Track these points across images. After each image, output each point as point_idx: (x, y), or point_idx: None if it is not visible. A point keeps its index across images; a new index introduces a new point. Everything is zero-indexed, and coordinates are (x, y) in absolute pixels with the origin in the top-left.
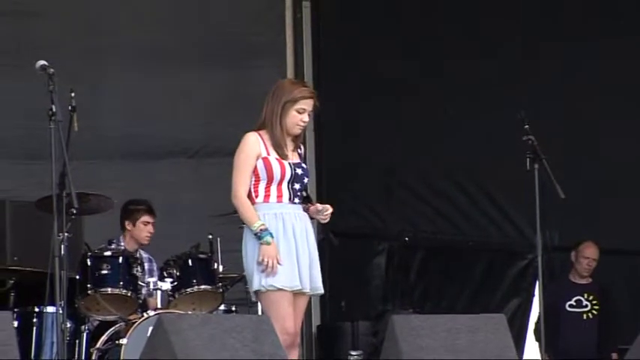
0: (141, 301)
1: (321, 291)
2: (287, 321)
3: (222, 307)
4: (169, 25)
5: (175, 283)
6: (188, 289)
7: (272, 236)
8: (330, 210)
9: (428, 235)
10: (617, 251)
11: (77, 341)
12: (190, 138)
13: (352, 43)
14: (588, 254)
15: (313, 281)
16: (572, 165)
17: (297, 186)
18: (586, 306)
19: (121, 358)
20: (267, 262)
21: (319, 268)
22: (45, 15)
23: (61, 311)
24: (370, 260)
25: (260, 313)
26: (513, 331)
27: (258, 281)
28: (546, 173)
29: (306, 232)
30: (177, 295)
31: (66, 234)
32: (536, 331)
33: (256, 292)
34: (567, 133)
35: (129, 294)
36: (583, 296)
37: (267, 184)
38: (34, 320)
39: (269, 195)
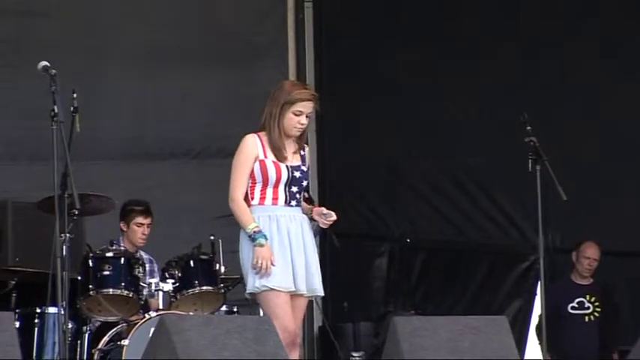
0: (142, 302)
1: (320, 293)
2: (285, 319)
3: (223, 308)
4: (171, 26)
5: (177, 284)
6: (190, 290)
7: (266, 238)
8: (334, 217)
9: (429, 237)
10: (619, 253)
11: (79, 342)
12: (192, 139)
13: (354, 44)
14: (589, 254)
15: (310, 283)
16: (573, 166)
17: (294, 189)
18: (588, 308)
19: (123, 359)
20: (261, 263)
21: (319, 271)
22: (46, 15)
23: (62, 312)
24: (372, 261)
25: (262, 314)
26: (515, 332)
27: (252, 283)
28: (548, 175)
29: (302, 235)
30: (178, 296)
31: (68, 235)
32: (538, 333)
33: (251, 294)
34: (567, 133)
35: (130, 295)
36: (585, 298)
37: (263, 186)
38: (36, 321)
39: (264, 197)
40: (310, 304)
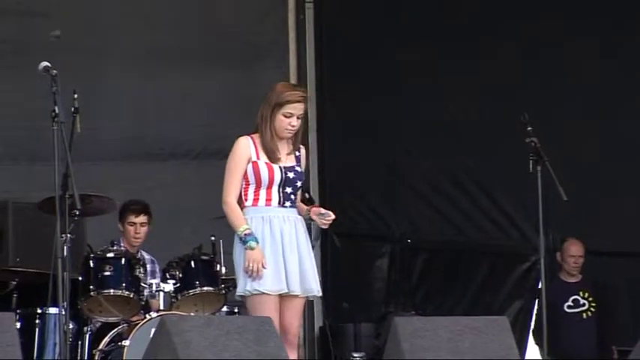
0: (143, 303)
1: (315, 293)
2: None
3: (224, 309)
4: (172, 26)
5: (178, 285)
6: (190, 291)
7: (257, 241)
8: (332, 217)
9: (430, 237)
10: (619, 253)
11: (80, 342)
12: (193, 139)
13: (355, 44)
14: (574, 252)
15: (305, 283)
16: (574, 166)
17: (288, 189)
18: (584, 305)
19: (124, 359)
20: (252, 266)
21: (314, 271)
22: (47, 16)
23: (63, 312)
24: (372, 262)
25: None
26: (516, 333)
27: (242, 285)
28: (549, 175)
29: (296, 235)
30: (179, 297)
31: (68, 235)
32: (536, 334)
33: (241, 296)
34: (567, 133)
35: (131, 295)
36: (579, 295)
37: (256, 188)
38: (37, 321)
39: (258, 199)
40: (311, 304)
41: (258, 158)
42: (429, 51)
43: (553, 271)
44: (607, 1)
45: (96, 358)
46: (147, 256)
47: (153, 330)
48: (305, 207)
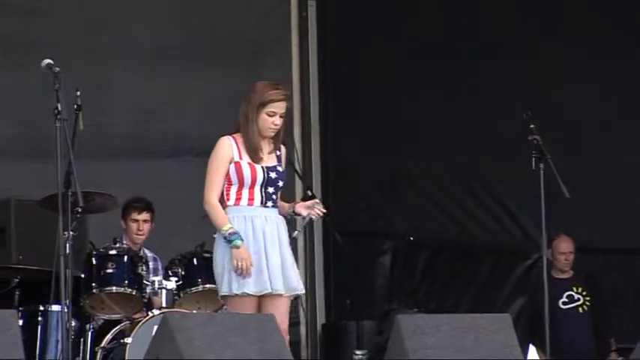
0: (146, 300)
1: (299, 291)
2: None
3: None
4: (175, 24)
5: (180, 282)
6: (193, 288)
7: (241, 239)
8: (320, 205)
9: (433, 235)
10: (622, 250)
11: (82, 340)
12: (196, 136)
13: (358, 42)
14: (564, 249)
15: (288, 282)
16: (574, 165)
17: (270, 189)
18: (578, 299)
19: (126, 357)
20: (240, 264)
21: (296, 271)
22: (50, 13)
23: (65, 310)
24: (375, 259)
25: None
26: (518, 330)
27: (227, 286)
28: (551, 173)
29: (278, 234)
30: (182, 294)
31: (71, 233)
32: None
33: (223, 297)
34: (567, 133)
35: (134, 293)
36: (572, 290)
37: (239, 187)
38: (39, 319)
39: (240, 198)
40: (313, 302)
41: (240, 158)
42: (432, 49)
43: None
44: (607, 1)
45: (98, 355)
46: (149, 254)
47: (155, 327)
48: (287, 204)
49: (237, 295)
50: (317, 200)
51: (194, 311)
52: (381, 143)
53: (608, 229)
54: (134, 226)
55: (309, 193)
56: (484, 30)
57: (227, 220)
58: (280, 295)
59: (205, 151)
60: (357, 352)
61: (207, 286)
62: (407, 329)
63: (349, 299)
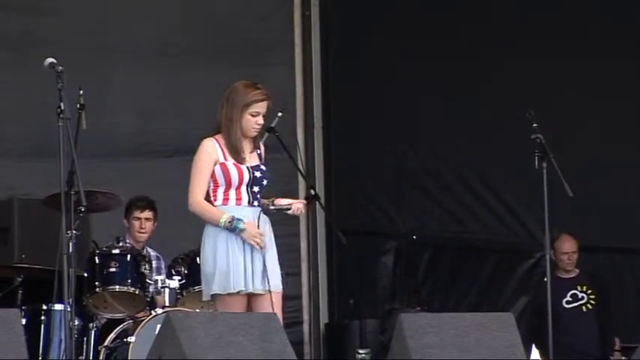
0: (149, 299)
1: (277, 289)
2: None
3: None
4: (177, 23)
5: (183, 281)
6: (196, 287)
7: (242, 220)
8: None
9: (436, 234)
10: (625, 249)
11: (85, 339)
12: (197, 136)
13: (360, 41)
14: (566, 249)
15: (270, 281)
16: (574, 164)
17: (255, 188)
18: (582, 298)
19: (129, 356)
20: (256, 241)
21: (278, 271)
22: (53, 11)
23: (69, 309)
24: (378, 258)
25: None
26: (521, 329)
27: (217, 285)
28: (555, 171)
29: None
30: (185, 293)
31: (74, 231)
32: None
33: (212, 296)
34: (567, 133)
35: (137, 292)
36: (576, 289)
37: (226, 188)
38: (42, 318)
39: (228, 199)
40: (316, 301)
41: (225, 159)
42: (435, 48)
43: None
44: (608, 1)
45: (101, 354)
46: (152, 253)
47: (158, 326)
48: (266, 200)
49: (222, 294)
50: (304, 202)
51: (197, 310)
52: (385, 142)
53: (613, 227)
54: (137, 224)
55: (312, 192)
56: (484, 30)
57: (221, 211)
58: (262, 295)
59: None
60: (360, 351)
61: None
62: (410, 328)
63: (352, 298)
